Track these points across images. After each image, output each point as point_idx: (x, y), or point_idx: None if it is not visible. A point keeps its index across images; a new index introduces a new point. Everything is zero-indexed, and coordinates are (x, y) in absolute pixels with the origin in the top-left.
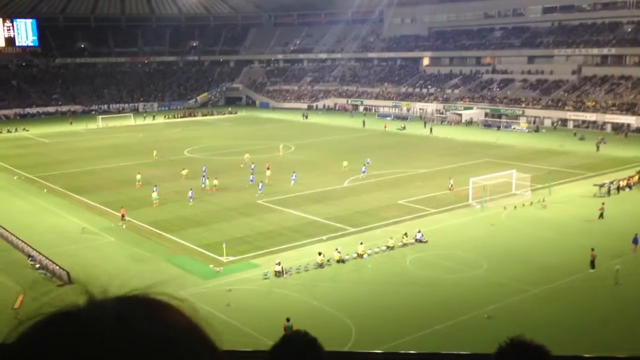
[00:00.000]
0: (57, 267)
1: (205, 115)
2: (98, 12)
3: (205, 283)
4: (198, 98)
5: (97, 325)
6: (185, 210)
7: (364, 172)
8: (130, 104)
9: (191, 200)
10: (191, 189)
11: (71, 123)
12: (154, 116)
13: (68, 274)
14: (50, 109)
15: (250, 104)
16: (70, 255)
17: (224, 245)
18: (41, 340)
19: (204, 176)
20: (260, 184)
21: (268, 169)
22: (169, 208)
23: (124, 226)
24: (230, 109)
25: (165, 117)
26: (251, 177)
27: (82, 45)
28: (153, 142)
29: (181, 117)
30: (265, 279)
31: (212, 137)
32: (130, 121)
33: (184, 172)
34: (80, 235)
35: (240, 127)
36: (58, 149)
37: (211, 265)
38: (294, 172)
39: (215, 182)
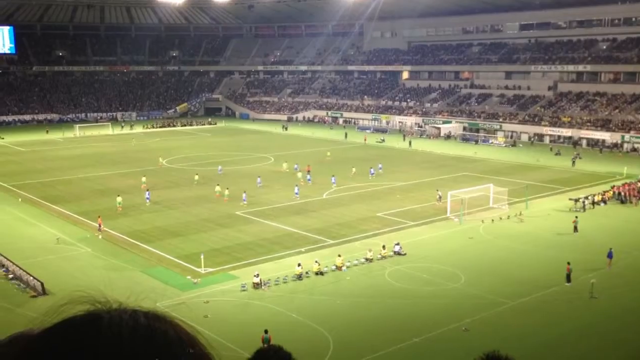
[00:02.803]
0: (31, 278)
1: (185, 125)
2: (76, 20)
3: (182, 294)
4: (177, 108)
5: (120, 324)
6: (163, 221)
7: (372, 173)
8: (109, 113)
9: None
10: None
11: (47, 132)
12: (132, 125)
13: (42, 284)
14: (27, 117)
15: (230, 114)
16: (44, 265)
17: (202, 257)
18: (71, 334)
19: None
20: (296, 188)
21: (308, 172)
22: (145, 218)
23: (100, 236)
24: (209, 119)
25: (143, 126)
26: (308, 177)
27: (60, 54)
28: (134, 152)
29: (160, 127)
30: (243, 290)
31: (191, 148)
32: (108, 130)
33: (196, 177)
34: (55, 245)
35: (220, 138)
36: (34, 157)
37: (189, 277)
38: (333, 176)
39: (227, 192)
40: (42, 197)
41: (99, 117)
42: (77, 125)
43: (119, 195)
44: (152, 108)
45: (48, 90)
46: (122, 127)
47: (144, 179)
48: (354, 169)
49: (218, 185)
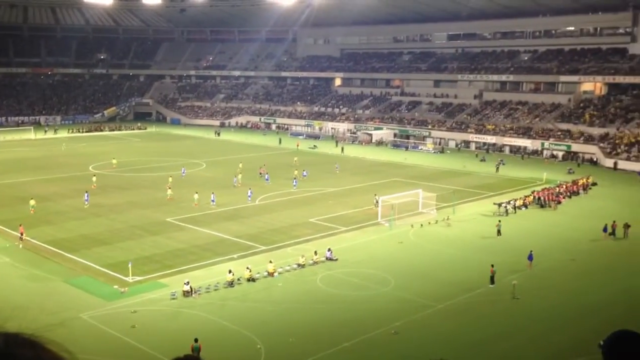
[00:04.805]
0: None
1: (113, 130)
2: None
3: (108, 304)
4: (105, 112)
5: None
6: (89, 229)
7: (295, 184)
8: (31, 117)
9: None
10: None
11: None
12: (56, 130)
13: None
14: None
15: (161, 119)
16: None
17: (129, 265)
18: None
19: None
20: (250, 191)
21: (265, 173)
22: (69, 226)
23: (21, 246)
24: (139, 124)
25: (69, 131)
26: (266, 176)
27: None
28: (58, 157)
29: (86, 132)
30: (173, 299)
31: (119, 153)
32: (31, 135)
33: (170, 179)
34: None
35: (150, 143)
36: None
37: (115, 286)
38: (295, 178)
39: (196, 196)
40: None
41: (20, 121)
42: None
43: (32, 199)
44: (78, 112)
45: None
46: (46, 131)
47: (94, 178)
48: (304, 172)
49: (170, 189)
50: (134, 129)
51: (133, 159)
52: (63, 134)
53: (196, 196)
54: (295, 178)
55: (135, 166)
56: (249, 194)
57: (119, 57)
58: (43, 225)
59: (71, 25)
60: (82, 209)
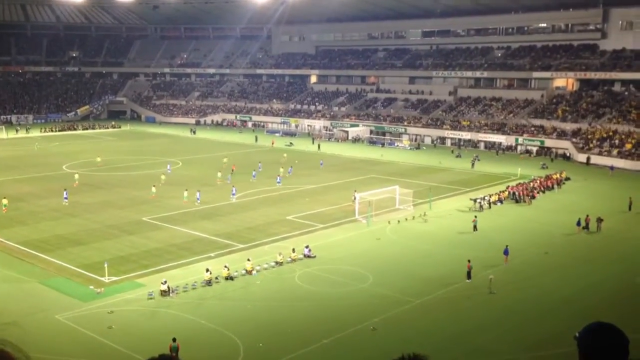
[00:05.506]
0: None
1: (87, 129)
2: None
3: (84, 305)
4: (78, 111)
5: None
6: (63, 229)
7: (279, 181)
8: (2, 116)
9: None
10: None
11: None
12: (28, 129)
13: None
14: None
15: (136, 118)
16: None
17: (105, 265)
18: None
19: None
20: (234, 189)
21: (232, 170)
22: (43, 226)
23: None
24: (113, 122)
25: (41, 130)
26: (253, 172)
27: None
28: (31, 157)
29: (59, 131)
30: (150, 298)
31: (93, 152)
32: (2, 134)
33: (163, 177)
34: None
35: (125, 142)
36: None
37: (91, 287)
38: (279, 175)
39: (185, 193)
40: None
41: None
42: None
43: (4, 198)
44: (50, 111)
45: None
46: (17, 130)
47: (76, 176)
48: (290, 169)
49: (154, 186)
50: (108, 128)
51: (108, 157)
52: (35, 133)
53: (186, 193)
54: (279, 175)
55: (111, 165)
56: (233, 191)
57: (91, 54)
58: (17, 225)
59: (42, 22)
60: (57, 209)
